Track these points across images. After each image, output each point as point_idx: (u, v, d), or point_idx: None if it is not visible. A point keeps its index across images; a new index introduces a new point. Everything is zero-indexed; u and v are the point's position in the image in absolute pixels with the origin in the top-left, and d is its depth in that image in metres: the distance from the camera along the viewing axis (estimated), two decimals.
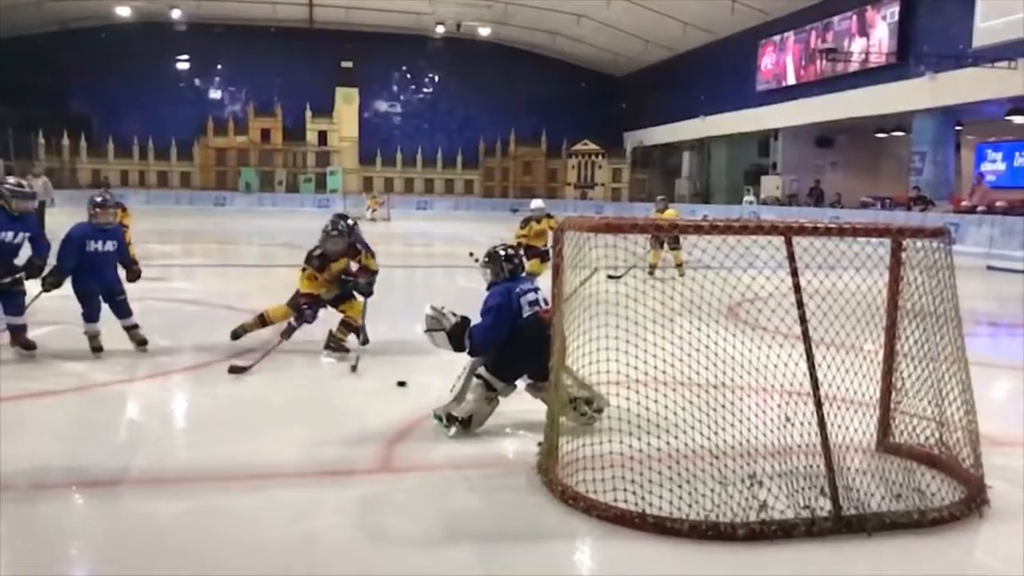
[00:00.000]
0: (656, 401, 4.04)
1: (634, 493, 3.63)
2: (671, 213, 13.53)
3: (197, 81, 45.40)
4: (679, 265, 11.82)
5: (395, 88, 47.09)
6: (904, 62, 23.54)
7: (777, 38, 30.59)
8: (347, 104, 44.45)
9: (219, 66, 45.21)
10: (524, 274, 5.20)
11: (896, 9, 24.20)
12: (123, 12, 38.70)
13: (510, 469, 4.32)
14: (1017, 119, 21.66)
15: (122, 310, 6.76)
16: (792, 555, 3.34)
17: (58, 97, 40.70)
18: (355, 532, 3.55)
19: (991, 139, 25.45)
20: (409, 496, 3.97)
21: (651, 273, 11.45)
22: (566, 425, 4.38)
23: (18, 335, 6.55)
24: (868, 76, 25.13)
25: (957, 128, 24.49)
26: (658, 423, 3.99)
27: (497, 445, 4.69)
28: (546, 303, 4.85)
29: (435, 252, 21.21)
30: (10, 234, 6.45)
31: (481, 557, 3.36)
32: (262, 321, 7.03)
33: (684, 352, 4.08)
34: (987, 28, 20.47)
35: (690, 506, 3.54)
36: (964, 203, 21.89)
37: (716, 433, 3.96)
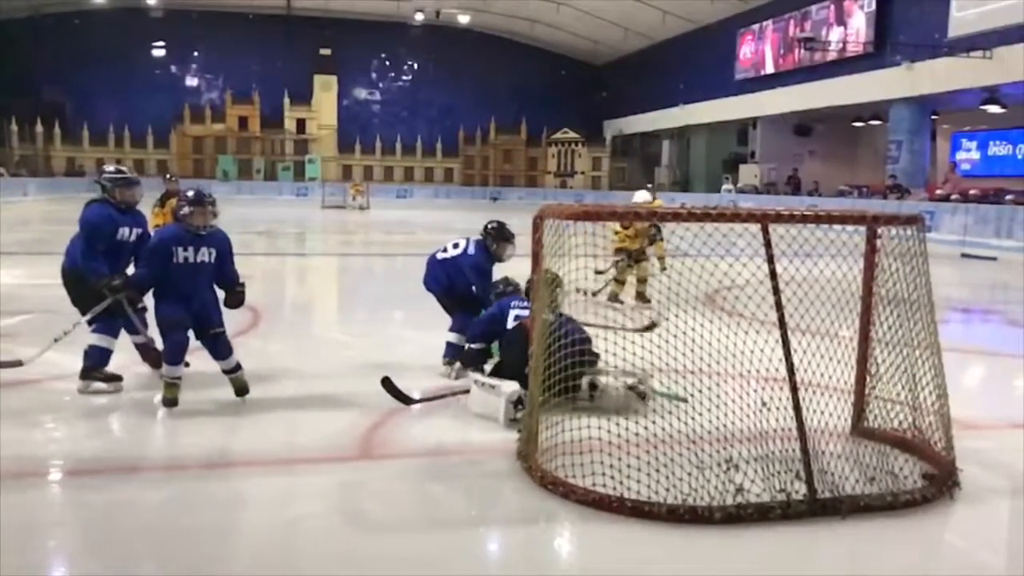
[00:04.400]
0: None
1: (612, 478, 3.67)
2: (658, 203, 13.47)
3: (173, 68, 44.91)
4: (660, 258, 11.71)
5: (374, 76, 46.81)
6: (881, 51, 23.70)
7: (756, 27, 30.69)
8: (326, 92, 44.19)
9: (195, 53, 44.72)
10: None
11: None
12: None
13: (489, 455, 4.34)
14: (991, 108, 21.90)
15: (220, 348, 5.09)
16: (768, 537, 3.39)
17: (31, 84, 40.11)
18: (334, 519, 3.56)
19: (966, 128, 25.72)
20: (388, 483, 3.98)
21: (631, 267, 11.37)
22: (546, 411, 4.40)
23: (148, 353, 5.59)
24: (846, 65, 25.30)
25: (933, 117, 24.72)
26: (636, 408, 4.02)
27: (476, 432, 4.71)
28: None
29: (415, 240, 21.15)
30: (125, 230, 5.35)
31: (460, 542, 3.38)
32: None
33: (662, 339, 4.12)
34: (963, 18, 20.67)
35: (667, 490, 3.58)
36: (938, 191, 22.13)
37: (693, 418, 4.01)
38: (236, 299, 5.23)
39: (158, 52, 43.98)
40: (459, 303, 6.04)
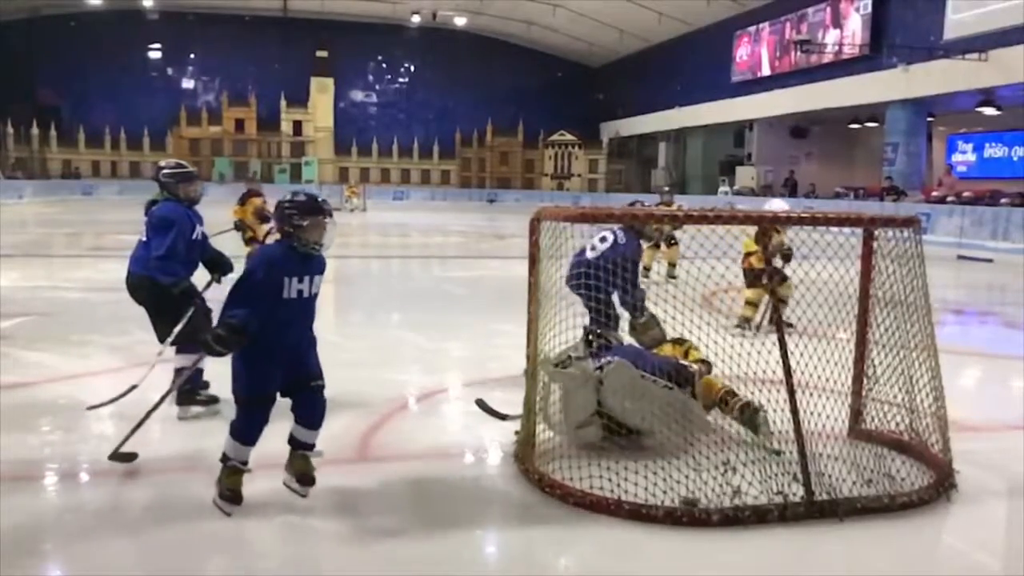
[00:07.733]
0: None
1: (610, 480, 3.67)
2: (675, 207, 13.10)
3: (170, 70, 44.85)
4: (672, 264, 11.27)
5: (371, 78, 46.81)
6: (877, 54, 23.74)
7: (752, 29, 30.75)
8: (322, 94, 44.17)
9: (192, 55, 44.68)
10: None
11: (869, 1, 24.41)
12: None
13: (487, 458, 4.34)
14: (987, 110, 21.95)
15: (316, 409, 3.77)
16: (765, 540, 3.39)
17: (27, 86, 40.01)
18: (332, 520, 3.55)
19: (962, 130, 25.79)
20: (386, 485, 3.97)
21: (646, 274, 10.94)
22: (544, 413, 4.40)
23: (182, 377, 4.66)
24: (842, 67, 25.35)
25: (929, 119, 24.78)
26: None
27: (474, 434, 4.71)
28: None
29: (411, 243, 21.16)
30: (198, 227, 4.80)
31: (458, 545, 3.37)
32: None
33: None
34: (958, 20, 20.72)
35: (665, 492, 3.58)
36: (935, 193, 22.18)
37: (691, 420, 4.01)
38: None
39: (154, 54, 43.92)
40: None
